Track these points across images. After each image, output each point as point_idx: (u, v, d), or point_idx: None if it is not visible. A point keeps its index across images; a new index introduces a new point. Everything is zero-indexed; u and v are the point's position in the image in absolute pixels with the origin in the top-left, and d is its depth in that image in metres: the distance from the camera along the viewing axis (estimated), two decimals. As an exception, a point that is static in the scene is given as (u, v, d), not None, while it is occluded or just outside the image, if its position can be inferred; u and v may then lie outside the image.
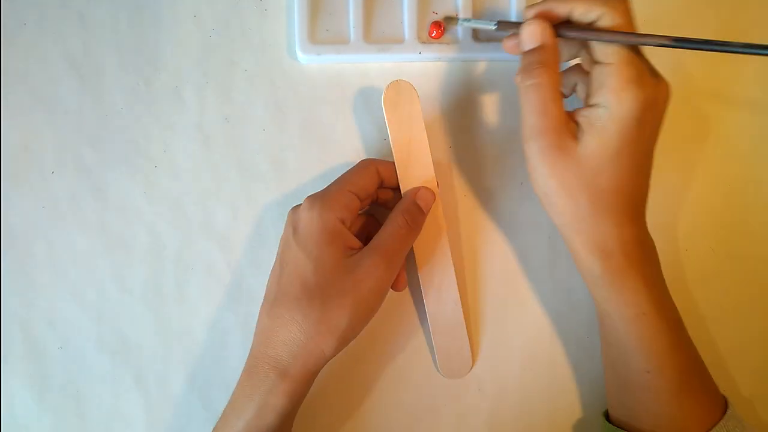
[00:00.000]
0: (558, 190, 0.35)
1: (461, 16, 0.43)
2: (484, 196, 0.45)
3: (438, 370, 0.43)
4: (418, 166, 0.40)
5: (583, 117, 0.34)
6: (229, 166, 0.44)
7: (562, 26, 0.35)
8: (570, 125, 0.34)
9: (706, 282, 0.45)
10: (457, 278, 0.42)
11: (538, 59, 0.34)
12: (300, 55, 0.43)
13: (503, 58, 0.44)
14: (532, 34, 0.35)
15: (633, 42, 0.33)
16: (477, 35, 0.44)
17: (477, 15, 0.44)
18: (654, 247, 0.37)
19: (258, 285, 0.43)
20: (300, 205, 0.37)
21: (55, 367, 0.42)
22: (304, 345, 0.34)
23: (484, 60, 0.45)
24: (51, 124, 0.43)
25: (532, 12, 0.36)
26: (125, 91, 0.43)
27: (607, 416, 0.41)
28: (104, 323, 0.43)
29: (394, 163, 0.40)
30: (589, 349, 0.44)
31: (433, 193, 0.40)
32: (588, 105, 0.34)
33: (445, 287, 0.41)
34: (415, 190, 0.39)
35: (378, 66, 0.44)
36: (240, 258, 0.44)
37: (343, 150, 0.44)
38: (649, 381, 0.36)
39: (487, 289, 0.44)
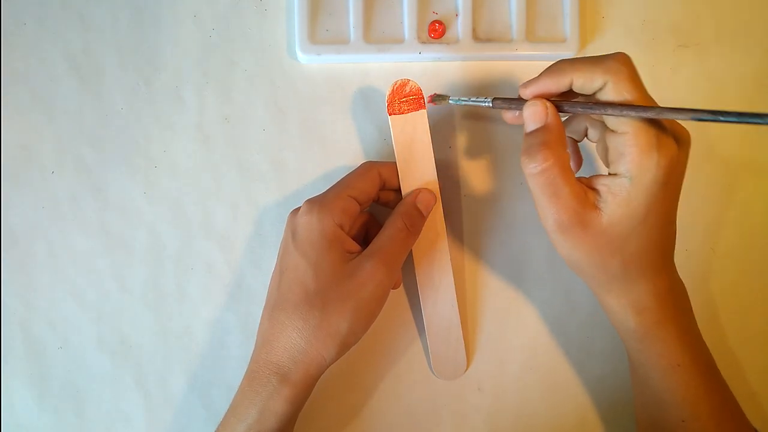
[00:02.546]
0: (586, 258, 0.34)
1: (460, 17, 0.43)
2: (484, 196, 0.45)
3: (432, 372, 0.43)
4: (420, 167, 0.40)
5: (605, 186, 0.32)
6: (229, 166, 0.44)
7: (565, 101, 0.34)
8: (588, 197, 0.33)
9: (706, 282, 0.45)
10: (456, 278, 0.42)
11: (542, 140, 0.33)
12: (300, 55, 0.43)
13: (503, 57, 0.44)
14: (534, 115, 0.33)
15: (644, 116, 0.30)
16: (477, 35, 0.44)
17: (476, 17, 0.44)
18: (685, 291, 0.37)
19: (258, 285, 0.43)
20: (299, 208, 0.37)
21: (55, 367, 0.42)
22: (305, 351, 0.35)
23: (484, 60, 0.45)
24: (51, 124, 0.43)
25: (530, 89, 0.34)
26: (125, 91, 0.43)
27: None
28: (104, 323, 0.43)
29: (395, 164, 0.40)
30: (589, 349, 0.45)
31: (434, 195, 0.40)
32: (609, 173, 0.33)
33: (443, 289, 0.41)
34: (416, 193, 0.39)
35: (378, 66, 0.44)
36: (240, 258, 0.44)
37: (343, 150, 0.44)
38: (684, 429, 0.36)
39: (487, 289, 0.44)
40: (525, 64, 0.45)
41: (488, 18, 0.44)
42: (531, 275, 0.45)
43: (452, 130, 0.45)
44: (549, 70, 0.34)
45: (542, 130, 0.33)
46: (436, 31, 0.43)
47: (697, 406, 0.35)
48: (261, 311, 0.38)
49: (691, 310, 0.37)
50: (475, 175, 0.45)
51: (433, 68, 0.45)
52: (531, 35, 0.44)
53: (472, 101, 0.38)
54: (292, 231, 0.36)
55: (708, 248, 0.46)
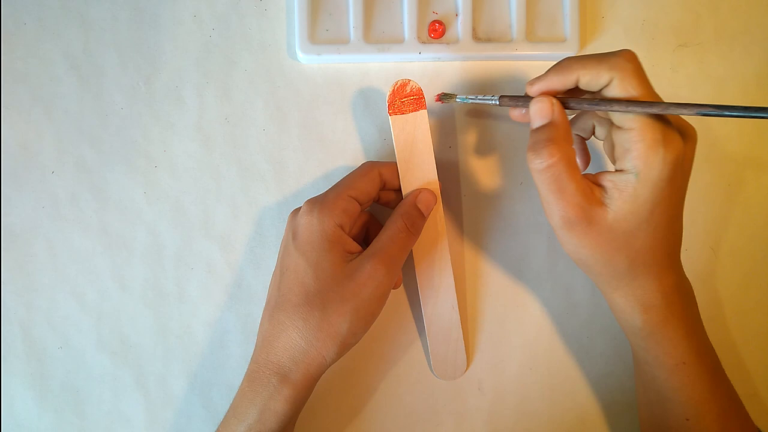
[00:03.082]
0: (592, 255, 0.34)
1: (460, 17, 0.43)
2: (485, 195, 0.45)
3: (432, 372, 0.43)
4: (420, 167, 0.40)
5: (611, 182, 0.33)
6: (229, 166, 0.44)
7: (571, 98, 0.34)
8: (595, 193, 0.33)
9: (706, 282, 0.45)
10: (456, 278, 0.42)
11: (548, 137, 0.32)
12: (300, 55, 0.43)
13: (503, 57, 0.44)
14: (540, 112, 0.33)
15: (650, 112, 0.31)
16: (477, 35, 0.44)
17: (476, 17, 0.44)
18: (691, 290, 0.37)
19: (258, 285, 0.43)
20: (300, 208, 0.37)
21: (55, 367, 0.42)
22: (305, 351, 0.35)
23: (484, 60, 0.45)
24: (51, 124, 0.43)
25: (536, 86, 0.34)
26: (125, 90, 0.43)
27: None
28: (104, 323, 0.43)
29: (396, 164, 0.40)
30: (589, 349, 0.45)
31: (434, 196, 0.40)
32: (616, 170, 0.33)
33: (443, 289, 0.41)
34: (416, 193, 0.39)
35: (378, 66, 0.44)
36: (240, 258, 0.44)
37: (343, 150, 0.44)
38: (689, 427, 0.36)
39: (488, 289, 0.44)
40: (525, 64, 0.45)
41: (488, 18, 0.44)
42: (531, 275, 0.45)
43: (453, 130, 0.45)
44: (555, 68, 0.34)
45: (548, 126, 0.33)
46: (436, 31, 0.43)
47: (702, 404, 0.35)
48: (261, 311, 0.38)
49: (697, 309, 0.37)
50: (475, 175, 0.45)
51: (433, 68, 0.45)
52: (531, 35, 0.44)
53: (480, 99, 0.38)
54: (292, 231, 0.36)
55: (708, 248, 0.46)
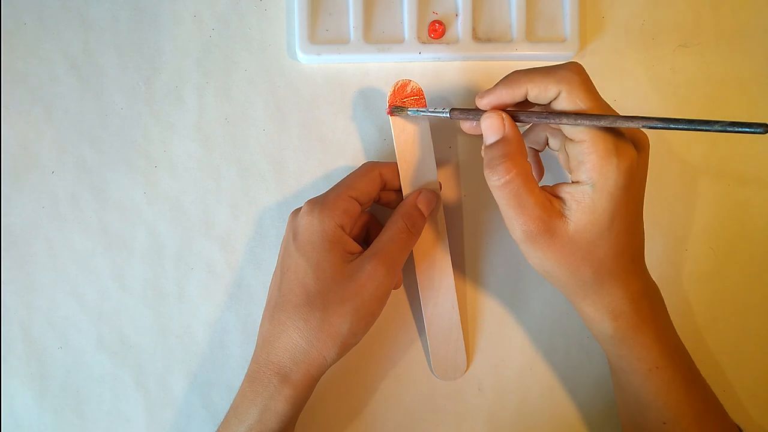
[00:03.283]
0: (557, 266, 0.34)
1: (460, 17, 0.43)
2: (485, 195, 0.45)
3: (432, 372, 0.43)
4: (420, 167, 0.40)
5: (568, 194, 0.33)
6: (229, 166, 0.44)
7: (521, 111, 0.34)
8: (554, 205, 0.33)
9: (706, 282, 0.45)
10: (456, 278, 0.42)
11: (502, 153, 0.33)
12: (300, 55, 0.43)
13: (503, 58, 0.44)
14: (492, 128, 0.34)
15: (598, 125, 0.31)
16: (477, 35, 0.44)
17: (476, 17, 0.44)
18: (659, 293, 0.37)
19: (258, 285, 0.43)
20: (300, 209, 0.37)
21: (55, 367, 0.42)
22: (306, 351, 0.35)
23: (484, 60, 0.45)
24: (51, 124, 0.43)
25: (486, 99, 0.34)
26: (125, 90, 0.43)
27: None
28: (104, 323, 0.43)
29: (396, 165, 0.40)
30: (589, 349, 0.45)
31: (435, 196, 0.40)
32: (572, 181, 0.33)
33: (443, 289, 0.41)
34: (417, 193, 0.39)
35: (378, 66, 0.44)
36: (240, 258, 0.44)
37: (343, 150, 0.44)
38: (666, 431, 0.36)
39: (488, 289, 0.44)
40: (525, 64, 0.44)
41: (488, 18, 0.44)
42: (531, 275, 0.45)
43: (453, 130, 0.45)
44: (504, 81, 0.34)
45: (502, 142, 0.33)
46: (436, 31, 0.43)
47: (678, 407, 0.36)
48: (261, 311, 0.38)
49: (667, 312, 0.37)
50: (475, 175, 0.45)
51: (433, 68, 0.45)
52: (531, 35, 0.44)
53: (430, 112, 0.38)
54: (293, 231, 0.37)
55: (708, 248, 0.46)
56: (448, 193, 0.44)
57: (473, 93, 0.45)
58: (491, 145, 0.34)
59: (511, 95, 0.33)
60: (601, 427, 0.44)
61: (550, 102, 0.33)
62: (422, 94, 0.40)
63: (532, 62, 0.45)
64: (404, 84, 0.39)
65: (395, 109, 0.40)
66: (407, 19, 0.43)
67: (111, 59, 0.43)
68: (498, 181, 0.33)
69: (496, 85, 0.34)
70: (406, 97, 0.39)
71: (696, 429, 0.36)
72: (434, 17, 0.44)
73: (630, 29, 0.46)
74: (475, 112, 0.35)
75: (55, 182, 0.43)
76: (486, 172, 0.33)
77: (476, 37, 0.44)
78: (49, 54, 0.43)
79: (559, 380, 0.44)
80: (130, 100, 0.43)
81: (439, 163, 0.41)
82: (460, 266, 0.44)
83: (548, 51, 0.44)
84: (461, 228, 0.44)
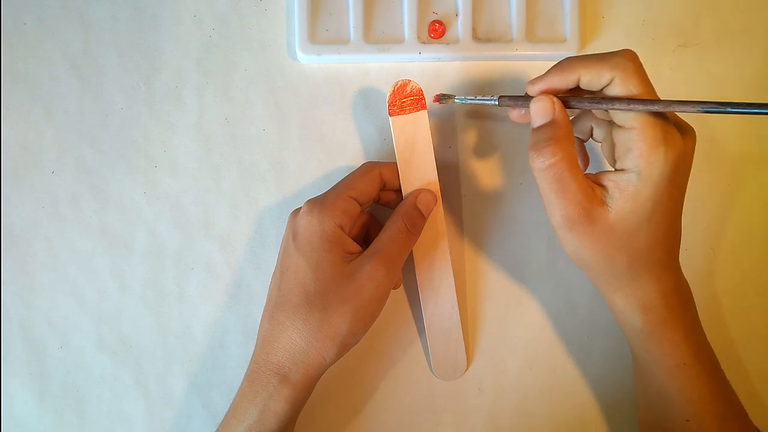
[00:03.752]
0: (593, 255, 0.34)
1: (460, 17, 0.43)
2: (485, 195, 0.45)
3: (432, 372, 0.43)
4: (420, 167, 0.40)
5: (612, 182, 0.33)
6: (229, 166, 0.44)
7: (572, 97, 0.34)
8: (596, 193, 0.33)
9: (707, 282, 0.45)
10: (456, 278, 0.42)
11: (550, 135, 0.33)
12: (300, 55, 0.43)
13: (503, 58, 0.44)
14: (541, 111, 0.33)
15: (652, 109, 0.31)
16: (477, 35, 0.44)
17: (476, 17, 0.44)
18: (689, 289, 0.37)
19: (258, 285, 0.43)
20: (300, 209, 0.37)
21: (55, 367, 0.42)
22: (305, 351, 0.35)
23: (484, 60, 0.45)
24: (51, 124, 0.43)
25: (537, 86, 0.34)
26: (125, 91, 0.43)
27: None
28: (104, 323, 0.43)
29: (396, 165, 0.40)
30: (589, 349, 0.45)
31: (435, 196, 0.40)
32: (616, 169, 0.33)
33: (443, 289, 0.41)
34: (416, 193, 0.39)
35: (378, 66, 0.44)
36: (240, 258, 0.44)
37: (343, 150, 0.44)
38: (689, 428, 0.36)
39: (488, 289, 0.44)
40: (525, 64, 0.45)
41: (488, 18, 0.44)
42: (531, 275, 0.45)
43: (453, 130, 0.45)
44: (556, 67, 0.34)
45: (550, 125, 0.33)
46: (436, 31, 0.43)
47: (701, 405, 0.35)
48: (261, 311, 0.38)
49: (696, 310, 0.37)
50: (475, 175, 0.45)
51: (433, 68, 0.45)
52: (531, 35, 0.44)
53: (479, 100, 0.38)
54: (292, 232, 0.37)
55: (708, 248, 0.46)
56: (448, 193, 0.44)
57: (474, 93, 0.45)
58: (539, 128, 0.34)
59: (563, 81, 0.33)
60: (601, 427, 0.44)
61: (602, 89, 0.33)
62: (422, 94, 0.40)
63: (532, 62, 0.45)
64: (404, 84, 0.39)
65: (442, 97, 0.40)
66: (407, 19, 0.43)
67: (111, 59, 0.43)
68: (543, 164, 0.32)
69: (547, 71, 0.34)
70: (405, 97, 0.39)
71: (718, 427, 0.36)
72: (434, 17, 0.44)
73: (630, 29, 0.46)
74: (525, 99, 0.35)
75: (55, 182, 0.43)
76: (531, 154, 0.33)
77: (476, 37, 0.44)
78: (49, 54, 0.43)
79: (559, 380, 0.44)
80: (130, 100, 0.43)
81: (439, 164, 0.41)
82: (459, 266, 0.44)
83: (548, 51, 0.44)
84: (461, 228, 0.44)
